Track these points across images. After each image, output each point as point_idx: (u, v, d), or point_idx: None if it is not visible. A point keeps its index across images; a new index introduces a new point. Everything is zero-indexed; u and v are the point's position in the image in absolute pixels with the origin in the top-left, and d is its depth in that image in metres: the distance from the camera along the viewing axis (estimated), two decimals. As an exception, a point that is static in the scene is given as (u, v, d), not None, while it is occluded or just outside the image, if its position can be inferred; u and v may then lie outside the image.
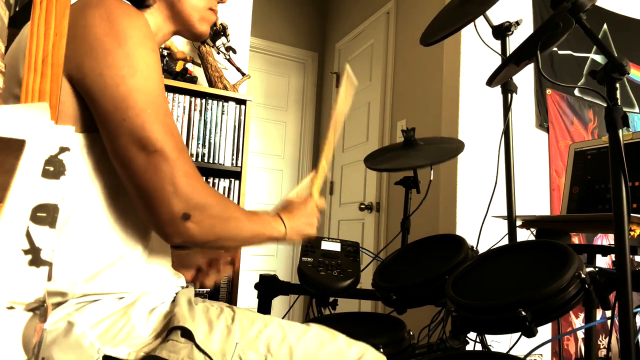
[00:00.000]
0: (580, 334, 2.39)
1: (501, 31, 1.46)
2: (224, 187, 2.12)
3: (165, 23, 0.91)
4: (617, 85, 0.90)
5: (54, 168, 0.44)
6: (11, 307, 0.40)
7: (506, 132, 1.45)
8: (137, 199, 0.75)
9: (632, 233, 1.16)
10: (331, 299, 1.53)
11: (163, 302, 0.82)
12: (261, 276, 1.57)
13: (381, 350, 1.05)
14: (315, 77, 4.14)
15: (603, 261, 2.18)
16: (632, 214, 1.07)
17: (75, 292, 0.74)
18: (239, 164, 2.15)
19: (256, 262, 3.70)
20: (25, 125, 0.44)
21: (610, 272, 0.98)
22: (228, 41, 2.24)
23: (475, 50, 2.39)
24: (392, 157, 1.64)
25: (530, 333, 0.87)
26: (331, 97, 3.90)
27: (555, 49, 2.60)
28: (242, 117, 2.17)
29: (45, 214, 0.43)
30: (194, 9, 0.92)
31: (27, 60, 0.50)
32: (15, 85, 0.77)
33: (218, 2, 0.97)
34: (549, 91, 2.57)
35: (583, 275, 0.89)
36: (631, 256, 0.93)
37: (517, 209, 1.44)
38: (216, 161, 2.11)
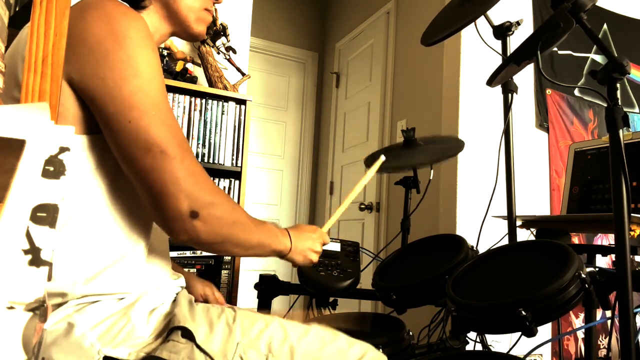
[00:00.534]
0: (580, 334, 2.39)
1: (501, 31, 1.46)
2: (224, 187, 2.12)
3: (162, 24, 0.91)
4: (618, 85, 0.90)
5: (54, 168, 0.44)
6: (11, 307, 0.40)
7: (506, 132, 1.45)
8: (145, 198, 0.76)
9: (632, 233, 1.16)
10: (331, 299, 1.53)
11: (163, 303, 0.82)
12: (261, 276, 1.57)
13: (381, 350, 1.05)
14: (315, 77, 4.14)
15: (603, 261, 2.18)
16: (632, 214, 1.07)
17: (75, 292, 0.74)
18: (239, 164, 2.15)
19: (256, 262, 3.70)
20: (25, 125, 0.44)
21: (610, 272, 0.98)
22: (228, 41, 2.24)
23: (475, 50, 2.39)
24: (392, 157, 1.64)
25: (530, 333, 0.87)
26: (331, 97, 3.90)
27: (555, 49, 2.60)
28: (242, 117, 2.17)
29: (45, 214, 0.43)
30: (190, 9, 0.91)
31: (27, 60, 0.50)
32: (13, 87, 0.76)
33: (214, 3, 0.97)
34: (549, 91, 2.57)
35: (583, 275, 0.89)
36: (631, 256, 0.93)
37: (517, 209, 1.44)
38: (216, 161, 2.11)
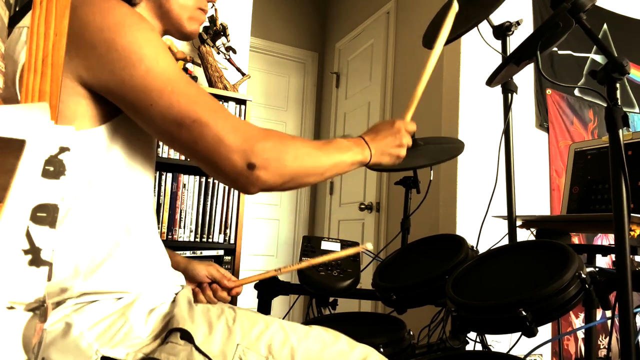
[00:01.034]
0: (580, 334, 2.39)
1: (501, 31, 1.47)
2: (224, 187, 2.12)
3: (155, 22, 0.91)
4: (617, 85, 0.90)
5: (54, 168, 0.44)
6: (11, 307, 0.40)
7: (506, 132, 1.45)
8: (203, 167, 0.79)
9: (632, 233, 1.16)
10: (331, 299, 1.53)
11: (162, 303, 0.82)
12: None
13: (381, 350, 1.05)
14: (315, 77, 4.14)
15: (603, 261, 2.18)
16: (632, 214, 1.07)
17: (74, 289, 0.74)
18: (239, 164, 2.14)
19: (256, 262, 3.70)
20: (25, 125, 0.44)
21: (610, 272, 0.98)
22: (228, 41, 2.24)
23: (475, 50, 2.39)
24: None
25: (531, 333, 0.87)
26: (331, 97, 3.90)
27: (555, 49, 2.60)
28: (242, 117, 2.17)
29: (45, 214, 0.43)
30: (183, 8, 0.91)
31: (27, 60, 0.50)
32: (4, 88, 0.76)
33: (208, 1, 0.97)
34: (549, 91, 2.57)
35: (583, 275, 0.89)
36: (631, 256, 0.93)
37: (517, 209, 1.44)
38: (216, 161, 2.10)
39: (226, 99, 2.14)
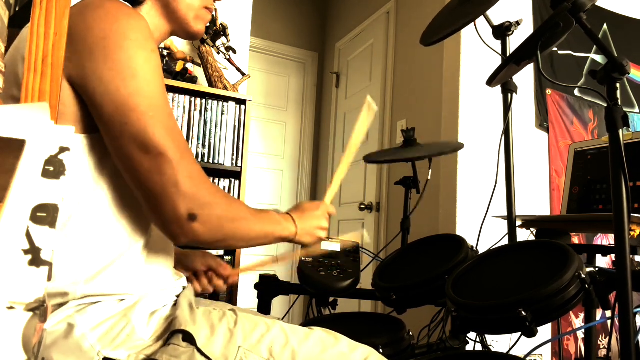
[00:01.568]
0: (580, 334, 2.39)
1: (501, 31, 1.46)
2: (224, 187, 2.12)
3: (162, 22, 0.91)
4: (617, 85, 0.90)
5: (54, 168, 0.44)
6: (11, 307, 0.40)
7: (506, 132, 1.45)
8: (143, 200, 0.75)
9: (632, 233, 1.16)
10: (331, 299, 1.53)
11: (164, 305, 0.82)
12: (261, 276, 1.57)
13: (381, 350, 1.05)
14: (315, 77, 4.14)
15: (603, 261, 2.18)
16: (632, 214, 1.07)
17: (76, 292, 0.74)
18: (239, 164, 2.15)
19: (256, 262, 3.69)
20: (25, 125, 0.44)
21: (610, 272, 0.98)
22: (228, 41, 2.24)
23: (475, 50, 2.39)
24: (391, 153, 1.64)
25: (531, 333, 0.87)
26: (331, 97, 3.90)
27: (555, 49, 2.60)
28: (242, 117, 2.17)
29: (45, 214, 0.43)
30: (190, 7, 0.91)
31: (27, 60, 0.50)
32: (13, 87, 0.76)
33: (214, 1, 0.96)
34: (549, 91, 2.57)
35: (583, 275, 0.89)
36: (631, 256, 0.93)
37: (517, 209, 1.44)
38: (216, 161, 2.11)
39: (226, 99, 2.15)
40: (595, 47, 2.27)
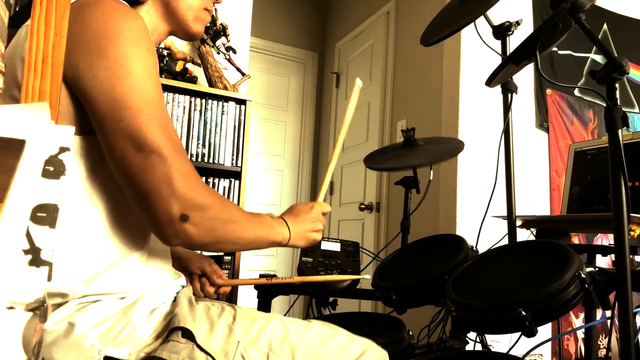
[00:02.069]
0: (580, 334, 2.39)
1: (501, 31, 1.46)
2: (224, 187, 2.12)
3: (161, 22, 0.91)
4: (617, 85, 0.90)
5: (54, 168, 0.44)
6: (11, 307, 0.40)
7: (506, 132, 1.45)
8: (134, 200, 0.75)
9: (632, 233, 1.16)
10: (331, 299, 1.53)
11: (164, 302, 0.82)
12: (261, 276, 1.56)
13: (381, 350, 1.05)
14: (315, 77, 4.14)
15: (603, 261, 2.18)
16: (632, 214, 1.07)
17: (76, 293, 0.74)
18: (239, 164, 2.15)
19: (256, 262, 3.70)
20: (25, 125, 0.44)
21: (610, 272, 0.98)
22: (228, 41, 2.24)
23: (475, 50, 2.39)
24: (392, 156, 1.64)
25: (530, 333, 0.87)
26: (331, 97, 3.90)
27: (555, 49, 2.60)
28: (242, 117, 2.17)
29: (45, 214, 0.43)
30: (189, 8, 0.91)
31: (27, 60, 0.50)
32: (12, 87, 0.76)
33: (214, 2, 0.97)
34: (549, 91, 2.57)
35: (583, 275, 0.89)
36: (631, 256, 0.93)
37: (517, 209, 1.44)
38: (216, 161, 2.11)
39: (226, 99, 2.15)
40: (595, 47, 2.27)
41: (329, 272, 1.35)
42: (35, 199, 0.43)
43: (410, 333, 1.25)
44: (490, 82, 1.19)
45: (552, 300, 0.87)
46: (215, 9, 2.19)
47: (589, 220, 1.39)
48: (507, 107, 1.44)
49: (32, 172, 0.43)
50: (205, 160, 2.09)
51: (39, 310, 0.41)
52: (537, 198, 2.48)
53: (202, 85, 2.21)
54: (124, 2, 0.81)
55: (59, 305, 0.74)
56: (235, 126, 2.16)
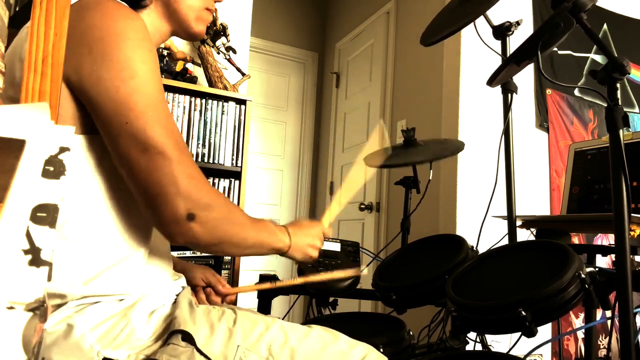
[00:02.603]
0: (580, 334, 2.39)
1: (501, 31, 1.46)
2: (224, 187, 2.12)
3: (162, 23, 0.91)
4: (618, 85, 0.90)
5: (54, 168, 0.44)
6: (11, 307, 0.40)
7: (506, 132, 1.45)
8: (141, 200, 0.75)
9: (632, 233, 1.16)
10: (331, 299, 1.53)
11: (163, 305, 0.82)
12: (261, 276, 1.56)
13: (381, 350, 1.05)
14: (315, 77, 4.14)
15: (603, 261, 2.18)
16: (632, 214, 1.07)
17: (75, 293, 0.74)
18: (239, 164, 2.15)
19: (256, 262, 3.70)
20: (25, 125, 0.44)
21: (610, 272, 0.98)
22: (228, 41, 2.24)
23: (475, 50, 2.38)
24: (392, 155, 1.64)
25: (530, 333, 0.87)
26: (331, 97, 3.90)
27: (555, 49, 2.60)
28: (242, 117, 2.17)
29: (45, 214, 0.43)
30: (190, 8, 0.91)
31: (27, 60, 0.50)
32: (11, 88, 0.76)
33: (215, 1, 0.97)
34: (549, 91, 2.57)
35: (583, 275, 0.89)
36: (631, 256, 0.93)
37: (517, 209, 1.44)
38: (216, 161, 2.11)
39: (226, 99, 2.15)
40: (595, 47, 2.26)
41: (329, 272, 1.35)
42: (35, 199, 0.43)
43: (411, 333, 1.25)
44: (491, 82, 1.19)
45: (552, 300, 0.87)
46: (215, 9, 2.19)
47: (589, 220, 1.39)
48: (507, 107, 1.44)
49: (32, 172, 0.43)
50: (205, 160, 2.09)
51: (39, 310, 0.41)
52: (537, 198, 2.48)
53: (202, 85, 2.21)
54: (124, 3, 0.81)
55: (58, 306, 0.74)
56: (235, 126, 2.16)
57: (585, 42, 2.69)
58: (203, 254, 2.04)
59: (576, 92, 2.68)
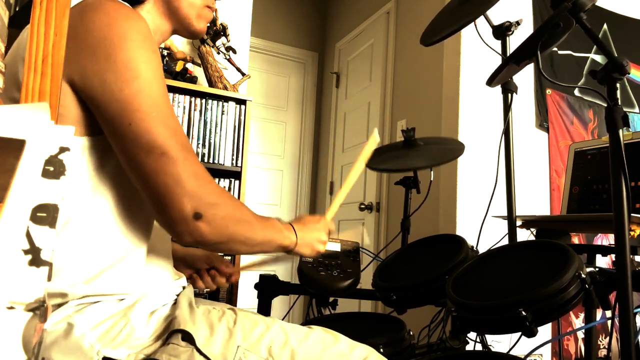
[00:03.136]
0: (580, 334, 2.39)
1: (501, 31, 1.46)
2: (224, 187, 2.12)
3: (163, 21, 0.91)
4: (617, 85, 0.90)
5: (54, 168, 0.44)
6: (11, 307, 0.40)
7: (506, 132, 1.45)
8: (148, 200, 0.76)
9: (632, 233, 1.16)
10: (331, 299, 1.53)
11: (164, 305, 0.82)
12: (261, 276, 1.57)
13: (381, 350, 1.05)
14: (315, 77, 4.14)
15: (603, 261, 2.18)
16: (632, 214, 1.07)
17: (76, 293, 0.74)
18: (239, 164, 2.15)
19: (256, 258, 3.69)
20: (25, 125, 0.44)
21: (610, 272, 0.98)
22: (228, 41, 2.24)
23: (475, 50, 2.38)
24: (392, 157, 1.64)
25: (531, 333, 0.87)
26: (331, 97, 3.90)
27: (555, 49, 2.60)
28: (242, 117, 2.17)
29: (45, 214, 0.43)
30: (191, 6, 0.91)
31: (27, 60, 0.50)
32: (13, 89, 0.76)
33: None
34: (549, 91, 2.57)
35: (583, 275, 0.89)
36: (631, 256, 0.93)
37: (517, 209, 1.44)
38: (216, 161, 2.11)
39: (226, 99, 2.15)
40: (595, 47, 2.27)
41: (329, 272, 1.35)
42: (35, 199, 0.43)
43: (411, 333, 1.25)
44: (491, 82, 1.19)
45: (552, 300, 0.87)
46: (215, 9, 2.19)
47: (589, 220, 1.39)
48: (507, 107, 1.44)
49: (32, 172, 0.43)
50: (205, 160, 2.09)
51: (39, 310, 0.41)
52: (537, 198, 2.48)
53: (202, 85, 2.21)
54: (125, 3, 0.81)
55: (58, 305, 0.74)
56: (235, 126, 2.16)
57: (585, 42, 2.69)
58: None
59: (576, 92, 2.68)
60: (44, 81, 0.50)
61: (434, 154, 1.60)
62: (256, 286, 1.55)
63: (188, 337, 0.76)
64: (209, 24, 2.21)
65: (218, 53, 2.23)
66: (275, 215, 0.99)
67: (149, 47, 0.76)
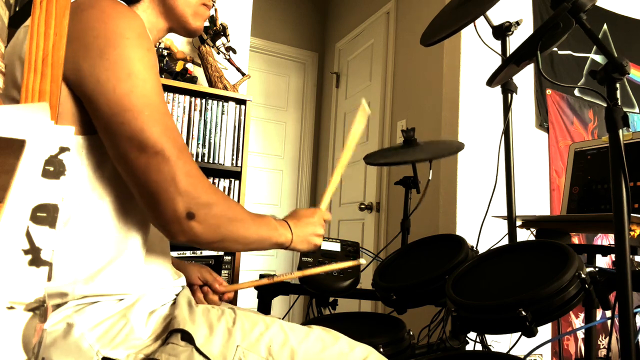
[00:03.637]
0: (580, 334, 2.39)
1: (501, 31, 1.46)
2: (224, 187, 2.12)
3: (159, 19, 0.91)
4: (617, 85, 0.90)
5: (54, 168, 0.44)
6: (11, 307, 0.40)
7: (506, 132, 1.45)
8: (141, 199, 0.75)
9: (632, 233, 1.16)
10: (331, 299, 1.53)
11: (163, 304, 0.82)
12: (261, 276, 1.56)
13: (381, 350, 1.05)
14: (315, 77, 4.14)
15: (603, 261, 2.18)
16: (632, 214, 1.07)
17: (76, 293, 0.74)
18: (239, 164, 2.15)
19: (256, 262, 3.70)
20: (25, 125, 0.44)
21: (610, 272, 0.98)
22: (228, 41, 2.24)
23: (475, 50, 2.39)
24: (391, 154, 1.64)
25: (530, 333, 0.87)
26: (331, 97, 3.90)
27: (555, 49, 2.60)
28: (242, 117, 2.17)
29: (45, 214, 0.43)
30: (187, 4, 0.91)
31: (27, 60, 0.50)
32: (11, 88, 0.76)
33: None
34: (549, 91, 2.57)
35: (583, 275, 0.89)
36: (631, 256, 0.93)
37: (517, 209, 1.44)
38: (216, 161, 2.11)
39: (226, 99, 2.15)
40: (595, 47, 2.27)
41: (329, 272, 1.35)
42: (35, 199, 0.43)
43: (411, 333, 1.25)
44: (491, 82, 1.19)
45: (552, 300, 0.87)
46: (215, 9, 2.19)
47: (589, 220, 1.39)
48: (507, 107, 1.44)
49: (32, 172, 0.43)
50: (205, 160, 2.09)
51: (39, 310, 0.41)
52: (537, 198, 2.48)
53: (202, 85, 2.21)
54: (121, 1, 0.81)
55: (58, 305, 0.74)
56: (235, 126, 2.16)
57: (585, 42, 2.69)
58: (203, 254, 2.04)
59: (576, 92, 2.68)
60: (44, 81, 0.50)
61: (434, 149, 1.60)
62: (256, 286, 1.55)
63: (187, 337, 0.76)
64: (208, 24, 2.22)
65: (218, 53, 2.23)
66: (272, 213, 0.99)
67: (144, 46, 0.75)
